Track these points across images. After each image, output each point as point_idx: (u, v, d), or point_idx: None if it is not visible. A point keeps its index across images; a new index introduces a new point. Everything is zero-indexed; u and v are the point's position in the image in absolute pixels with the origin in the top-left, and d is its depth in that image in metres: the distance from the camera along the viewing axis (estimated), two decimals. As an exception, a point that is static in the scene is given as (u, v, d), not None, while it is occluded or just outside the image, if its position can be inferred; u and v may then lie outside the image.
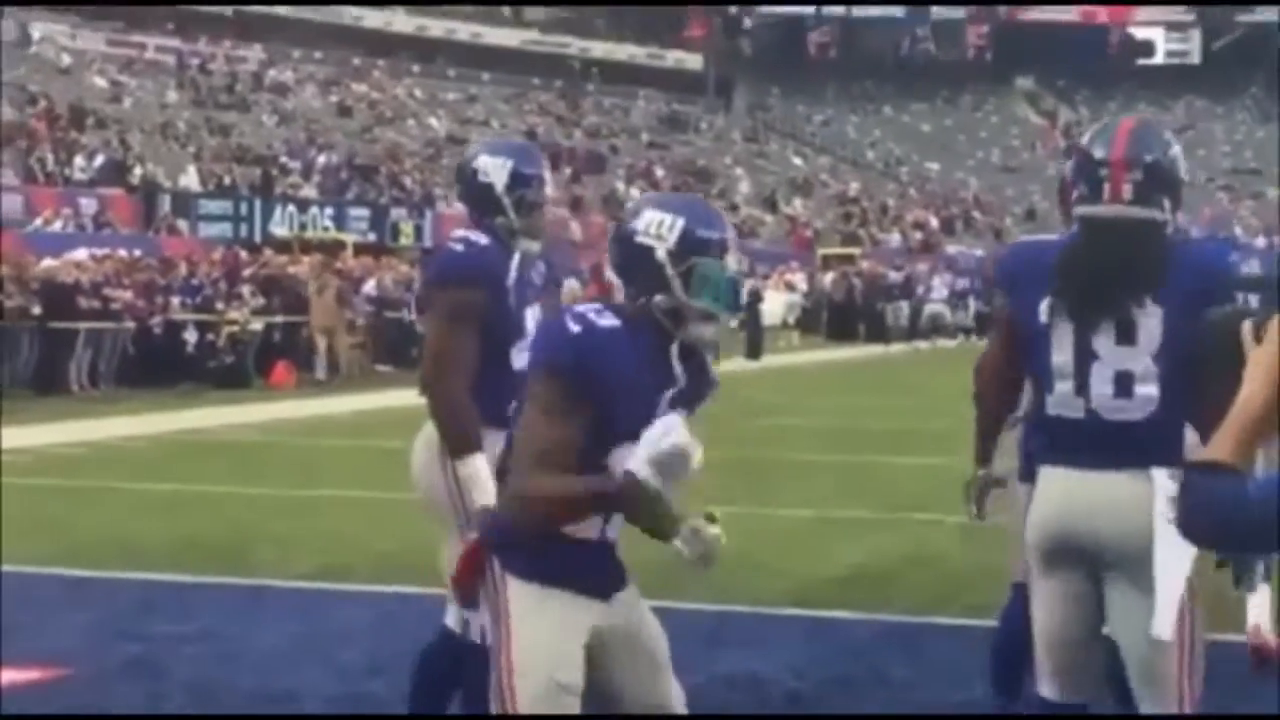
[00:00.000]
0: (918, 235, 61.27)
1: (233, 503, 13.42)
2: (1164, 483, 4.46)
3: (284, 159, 49.28)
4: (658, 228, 4.28)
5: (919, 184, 72.24)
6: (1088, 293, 4.53)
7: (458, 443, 5.43)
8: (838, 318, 43.30)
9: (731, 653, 8.17)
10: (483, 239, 5.61)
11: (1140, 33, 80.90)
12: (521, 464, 4.20)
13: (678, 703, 4.54)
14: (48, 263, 25.26)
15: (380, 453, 17.75)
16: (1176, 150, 4.70)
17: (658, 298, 4.26)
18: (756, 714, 7.18)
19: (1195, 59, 79.91)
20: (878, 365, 33.41)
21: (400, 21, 70.17)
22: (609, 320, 4.20)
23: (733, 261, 4.34)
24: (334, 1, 65.38)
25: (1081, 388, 4.56)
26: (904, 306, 41.96)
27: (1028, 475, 5.92)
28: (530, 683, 4.21)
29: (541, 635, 4.22)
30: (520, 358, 5.53)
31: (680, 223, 4.28)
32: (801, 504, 13.17)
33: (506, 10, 76.24)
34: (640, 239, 4.29)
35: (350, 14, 68.25)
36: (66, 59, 52.88)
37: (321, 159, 50.25)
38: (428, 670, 5.75)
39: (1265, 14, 77.45)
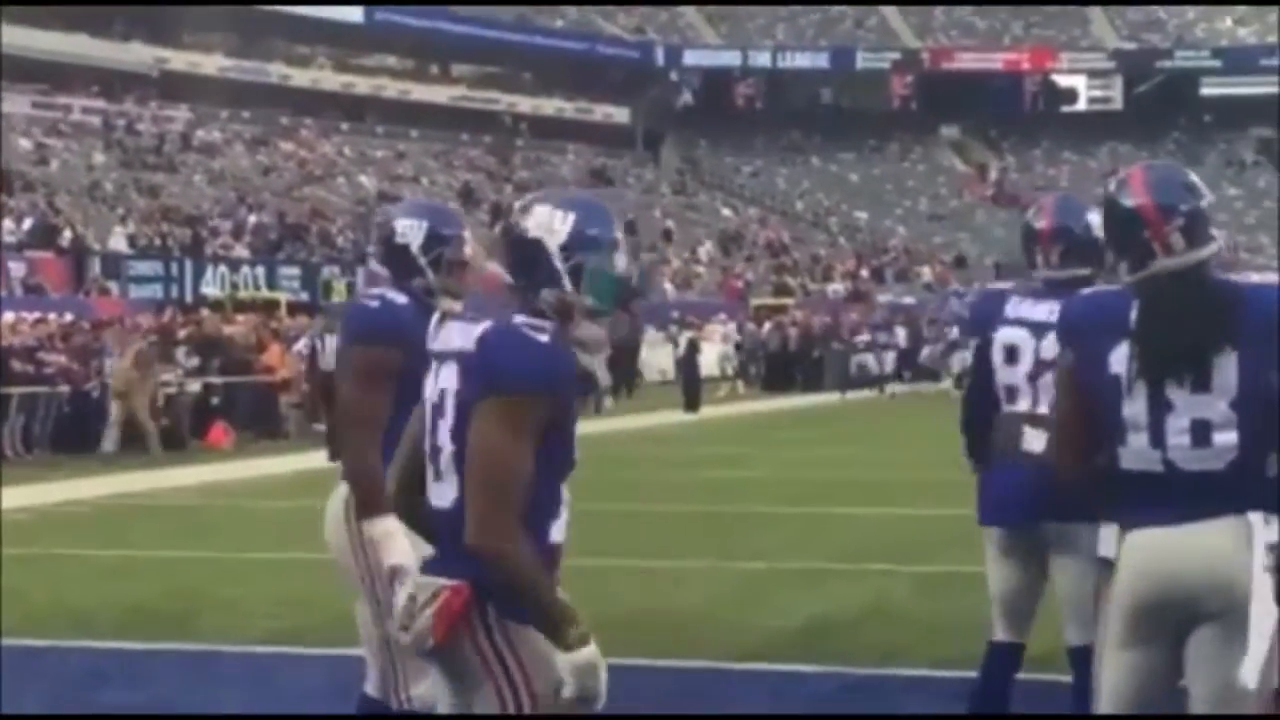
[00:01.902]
0: (848, 284, 61.48)
1: (179, 567, 13.26)
2: (1260, 528, 4.39)
3: (214, 219, 49.08)
4: (550, 222, 4.31)
5: (848, 233, 72.52)
6: (1164, 348, 4.47)
7: (366, 503, 5.39)
8: (774, 367, 43.35)
9: (695, 709, 8.09)
10: (400, 298, 5.59)
11: (1063, 80, 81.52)
12: (491, 491, 4.12)
13: None
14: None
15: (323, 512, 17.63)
16: (1197, 182, 4.67)
17: (545, 292, 4.29)
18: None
19: (1118, 104, 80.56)
20: (816, 415, 33.42)
21: (327, 79, 70.08)
22: (551, 329, 4.20)
23: (621, 261, 4.37)
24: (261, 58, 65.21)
25: (1157, 439, 4.49)
26: (843, 355, 42.08)
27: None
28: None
29: (555, 674, 4.14)
30: None
31: (572, 218, 4.32)
32: (755, 556, 13.11)
33: (434, 67, 76.27)
34: (532, 233, 4.32)
35: (278, 72, 68.11)
36: (-9, 122, 52.55)
37: (252, 218, 50.09)
38: None
39: (1183, 59, 78.35)
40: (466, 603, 4.18)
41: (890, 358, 42.33)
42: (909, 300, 51.77)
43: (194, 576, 12.62)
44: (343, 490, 5.52)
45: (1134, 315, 4.54)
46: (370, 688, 5.65)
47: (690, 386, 34.60)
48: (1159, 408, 4.48)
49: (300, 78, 68.79)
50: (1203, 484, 4.46)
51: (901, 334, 43.84)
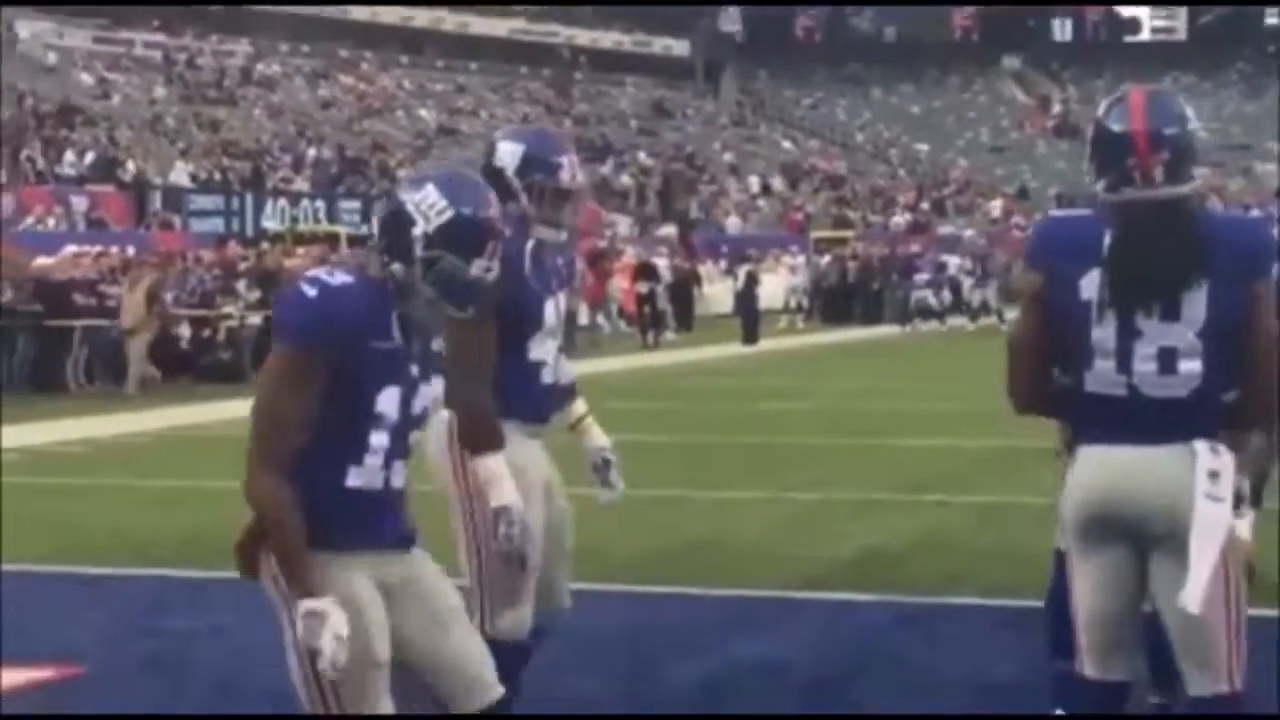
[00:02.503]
0: (909, 216, 61.20)
1: (236, 498, 13.32)
2: (1205, 455, 4.44)
3: (274, 153, 49.20)
4: (427, 208, 4.41)
5: (909, 165, 72.18)
6: (1138, 279, 4.47)
7: (477, 442, 5.36)
8: (833, 300, 43.24)
9: (750, 639, 8.12)
10: (506, 227, 5.50)
11: (1126, 10, 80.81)
12: (257, 443, 4.32)
13: (469, 659, 4.57)
14: (42, 260, 25.17)
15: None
16: (1191, 117, 4.64)
17: (396, 266, 4.39)
18: (778, 700, 7.12)
19: (1181, 35, 79.83)
20: (874, 347, 33.35)
21: (387, 13, 70.01)
22: (341, 278, 4.36)
23: (481, 266, 4.42)
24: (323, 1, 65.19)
25: (1124, 365, 4.51)
26: (900, 289, 41.87)
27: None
28: (358, 677, 4.30)
29: (347, 610, 4.27)
30: (538, 349, 5.47)
31: (449, 215, 4.40)
32: (810, 488, 13.12)
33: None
34: (408, 208, 4.42)
35: (338, 6, 68.08)
36: (53, 57, 52.74)
37: (312, 152, 50.19)
38: None
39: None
40: (262, 531, 4.36)
41: (978, 291, 41.91)
42: (970, 233, 51.46)
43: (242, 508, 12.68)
44: (444, 415, 5.47)
45: (1107, 242, 4.53)
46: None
47: (748, 319, 34.54)
48: (1127, 334, 4.50)
49: (359, 11, 68.71)
50: (1165, 410, 4.50)
51: (960, 265, 43.45)
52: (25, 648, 7.89)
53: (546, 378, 5.55)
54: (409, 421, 4.48)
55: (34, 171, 40.60)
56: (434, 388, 4.58)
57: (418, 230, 4.39)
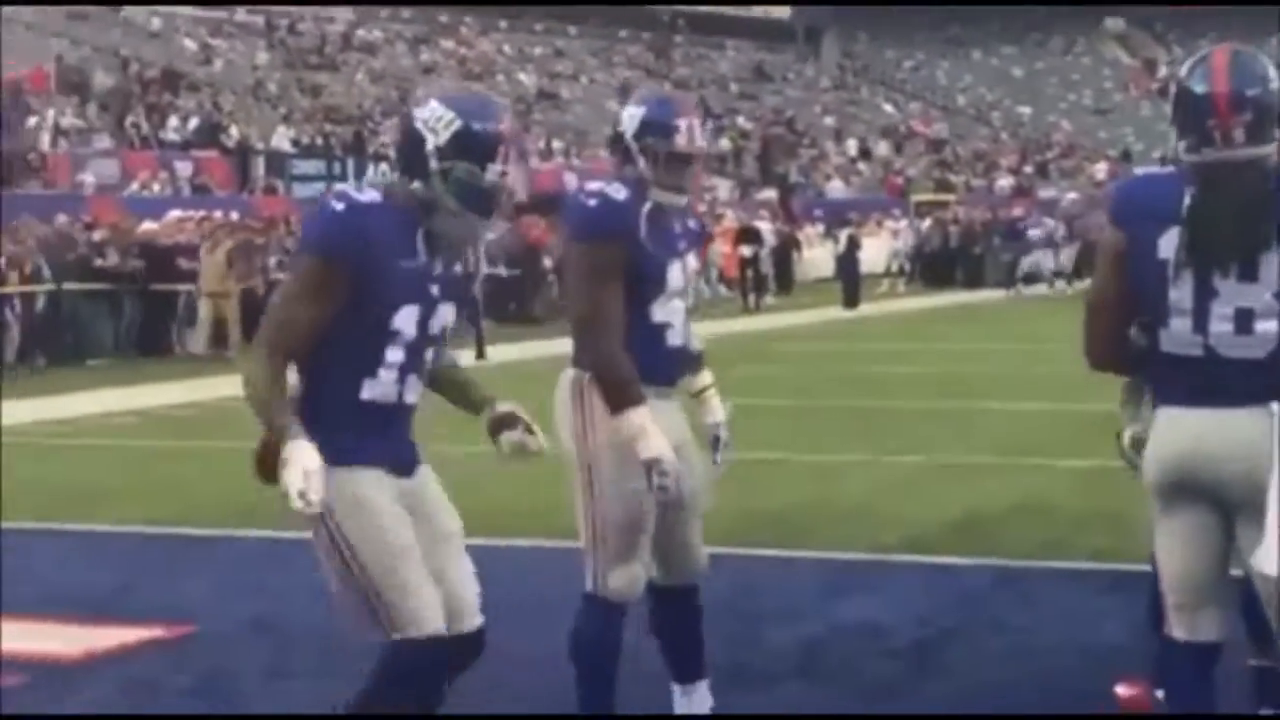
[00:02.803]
0: (1011, 180, 60.76)
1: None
2: None
3: (375, 118, 49.42)
4: (434, 121, 4.58)
5: (1011, 128, 71.63)
6: (1215, 239, 4.47)
7: (616, 398, 5.37)
8: (934, 264, 43.03)
9: (850, 600, 8.15)
10: (617, 192, 5.49)
11: (1233, -32, 79.78)
12: (262, 330, 4.53)
13: (464, 584, 4.76)
14: (148, 225, 25.44)
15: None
16: (1275, 77, 4.62)
17: (416, 184, 4.57)
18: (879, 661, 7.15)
19: (1290, -6, 78.75)
20: (976, 311, 33.19)
21: (487, -23, 70.08)
22: (369, 195, 4.55)
23: (495, 170, 4.59)
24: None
25: (1200, 325, 4.50)
26: (1003, 252, 41.59)
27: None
28: (381, 562, 4.52)
29: (372, 514, 4.52)
30: (662, 311, 5.50)
31: (456, 124, 4.57)
32: (911, 451, 13.11)
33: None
34: (417, 125, 4.60)
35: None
36: (157, 23, 53.16)
37: (412, 117, 50.31)
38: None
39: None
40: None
41: (1063, 253, 41.53)
42: (1072, 195, 51.01)
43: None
44: (569, 374, 5.54)
45: (1186, 202, 4.52)
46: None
47: (849, 283, 34.47)
48: (1204, 294, 4.49)
49: (460, -25, 68.82)
50: (1241, 371, 4.49)
51: (1054, 228, 43.03)
52: (140, 607, 8.03)
53: (672, 340, 5.55)
54: (426, 339, 4.65)
55: (139, 137, 40.98)
56: (453, 310, 4.72)
57: (430, 145, 4.56)
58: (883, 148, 65.23)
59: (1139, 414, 5.17)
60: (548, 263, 32.02)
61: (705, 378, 5.94)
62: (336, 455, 4.47)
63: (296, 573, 8.95)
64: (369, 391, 4.59)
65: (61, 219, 26.31)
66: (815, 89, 72.63)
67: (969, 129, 70.82)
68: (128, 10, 52.84)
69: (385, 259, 4.49)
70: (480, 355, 23.02)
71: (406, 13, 64.52)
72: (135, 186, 36.92)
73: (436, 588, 4.62)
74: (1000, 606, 8.00)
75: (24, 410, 17.63)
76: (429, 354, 4.72)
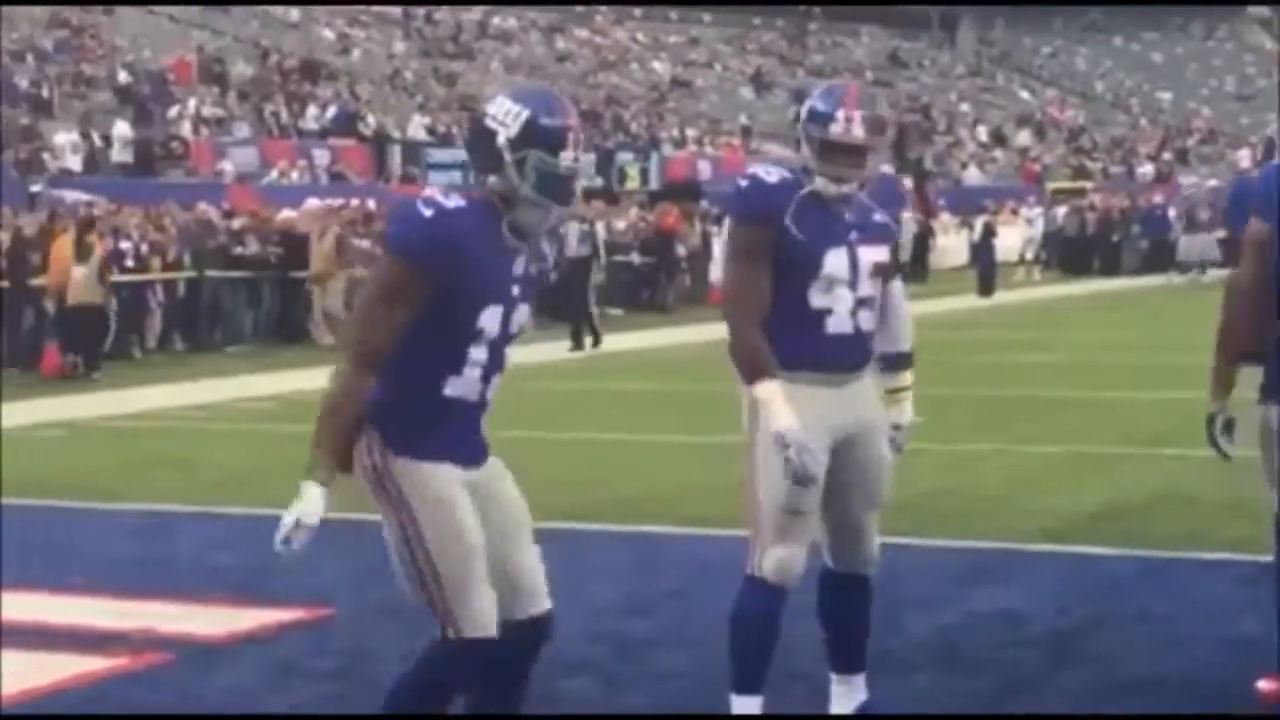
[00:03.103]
0: (1151, 167, 60.07)
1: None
2: None
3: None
4: (504, 115, 4.66)
5: (1150, 114, 70.81)
6: None
7: (749, 372, 5.44)
8: (1071, 252, 42.63)
9: (989, 590, 8.11)
10: (769, 175, 5.57)
11: (1380, -47, 78.40)
12: (349, 336, 4.64)
13: (531, 572, 4.83)
14: (286, 213, 25.70)
15: (615, 395, 17.88)
16: None
17: (492, 179, 4.65)
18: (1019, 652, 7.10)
19: None
20: (1113, 299, 32.84)
21: (622, -34, 70.21)
22: (455, 201, 4.61)
23: (568, 157, 4.65)
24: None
25: None
26: (1142, 239, 41.13)
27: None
28: (449, 557, 4.62)
29: (445, 508, 4.62)
30: (820, 298, 5.51)
31: (525, 115, 4.64)
32: (1049, 440, 13.02)
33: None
34: (488, 122, 4.67)
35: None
36: (295, 14, 53.68)
37: (547, 105, 50.50)
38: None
39: None
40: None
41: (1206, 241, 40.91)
42: (1214, 183, 50.37)
43: (495, 454, 12.89)
44: None
45: None
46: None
47: (985, 271, 34.24)
48: None
49: (594, -36, 69.00)
50: None
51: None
52: (281, 589, 8.13)
53: (832, 327, 5.54)
54: (506, 338, 4.74)
55: (277, 126, 41.41)
56: (528, 310, 4.82)
57: (501, 139, 4.63)
58: (1020, 135, 64.69)
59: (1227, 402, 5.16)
60: (681, 251, 32.00)
61: (901, 379, 5.89)
62: (416, 450, 4.62)
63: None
64: (452, 389, 4.68)
65: (202, 207, 26.63)
66: (951, 76, 72.16)
67: (1107, 115, 70.07)
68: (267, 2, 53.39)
69: (473, 262, 4.58)
70: (595, 344, 23.15)
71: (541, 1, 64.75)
72: (274, 175, 37.33)
73: (493, 591, 4.71)
74: (1139, 598, 7.92)
75: (163, 395, 17.90)
76: (506, 351, 4.80)
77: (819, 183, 5.51)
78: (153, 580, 8.62)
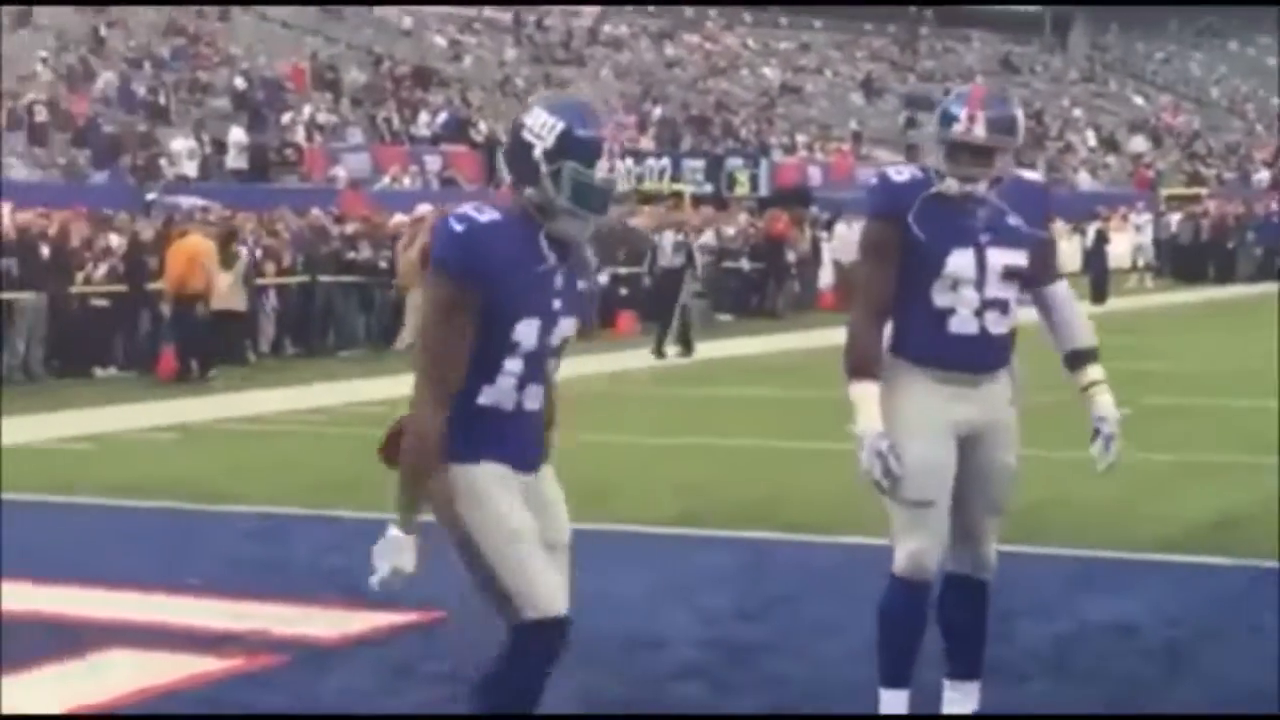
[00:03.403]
0: (1266, 173, 59.38)
1: (589, 451, 13.59)
2: None
3: (620, 112, 49.73)
4: (540, 128, 4.69)
5: (1266, 120, 69.96)
6: None
7: (850, 368, 5.54)
8: (1185, 259, 42.23)
9: (1101, 599, 8.06)
10: (898, 174, 5.66)
11: None
12: (422, 363, 4.65)
13: (566, 534, 4.89)
14: (399, 219, 25.85)
15: (728, 400, 17.88)
16: None
17: (529, 190, 4.68)
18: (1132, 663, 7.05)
19: None
20: (1227, 306, 32.50)
21: (732, -29, 70.17)
22: (489, 215, 4.64)
23: (603, 168, 4.69)
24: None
25: None
26: (1253, 246, 40.69)
27: None
28: (501, 550, 4.65)
29: (494, 504, 4.66)
30: (944, 297, 5.54)
31: (560, 126, 4.67)
32: (1162, 449, 12.89)
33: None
34: (525, 134, 4.71)
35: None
36: (408, 21, 54.02)
37: (657, 111, 50.62)
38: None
39: None
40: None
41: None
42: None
43: (599, 460, 12.94)
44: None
45: None
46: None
47: (1098, 278, 33.96)
48: None
49: (705, -30, 69.00)
50: None
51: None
52: (393, 592, 8.17)
53: (955, 326, 5.57)
54: (546, 350, 4.75)
55: (389, 132, 41.71)
56: (574, 323, 4.82)
57: (538, 150, 4.67)
58: (1132, 140, 64.14)
59: None
60: (791, 257, 31.95)
61: (1090, 373, 5.88)
62: (454, 454, 4.67)
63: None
64: (486, 397, 4.71)
65: (315, 212, 26.85)
66: (1063, 81, 71.63)
67: (1222, 121, 69.33)
68: (381, 8, 53.79)
69: (509, 274, 4.62)
70: (686, 352, 22.92)
71: (652, 7, 64.82)
72: (386, 180, 37.59)
73: (555, 571, 4.75)
74: (1254, 609, 7.84)
75: (277, 399, 18.06)
76: (551, 363, 4.83)
77: (947, 183, 5.54)
78: (267, 582, 8.71)
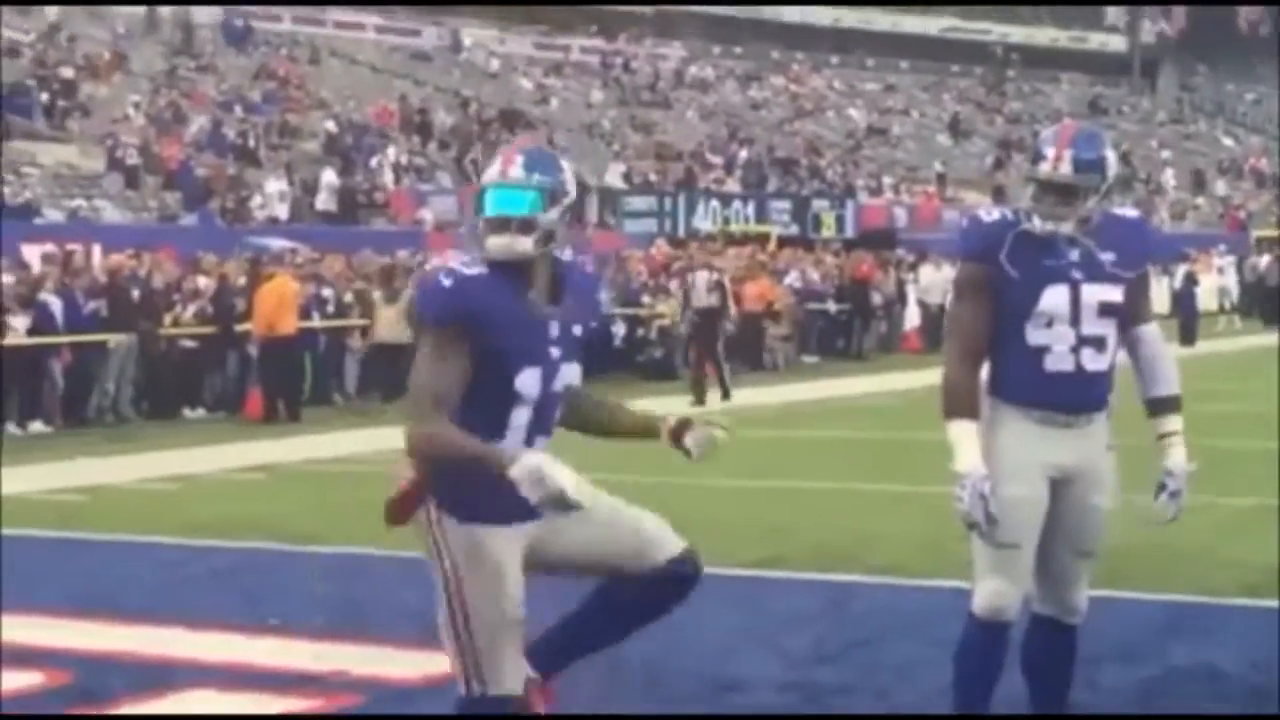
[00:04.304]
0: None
1: (667, 492, 13.58)
2: None
3: (706, 154, 49.81)
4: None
5: (1357, 161, 69.33)
6: None
7: (947, 407, 5.54)
8: (1274, 300, 41.83)
9: (1186, 644, 7.98)
10: (988, 214, 5.70)
11: None
12: (414, 408, 4.65)
13: (643, 516, 5.08)
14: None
15: (810, 443, 17.85)
16: None
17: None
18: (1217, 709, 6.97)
19: None
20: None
21: (818, 13, 70.27)
22: (476, 268, 4.71)
23: (489, 173, 4.83)
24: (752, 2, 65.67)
25: None
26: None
27: None
28: (484, 620, 4.72)
29: (489, 575, 4.71)
30: (1037, 334, 5.54)
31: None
32: (1246, 492, 12.78)
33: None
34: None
35: (769, 9, 68.63)
36: (495, 64, 54.36)
37: (743, 153, 50.67)
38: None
39: None
40: (418, 494, 4.76)
41: None
42: None
43: (682, 502, 12.89)
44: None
45: None
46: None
47: (1187, 320, 33.72)
48: None
49: (790, 13, 69.13)
50: None
51: None
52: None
53: (1051, 365, 5.56)
54: (550, 399, 4.81)
55: (476, 174, 41.91)
56: (576, 369, 4.90)
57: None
58: (1221, 182, 63.69)
59: None
60: (876, 299, 31.89)
61: (1168, 423, 5.87)
62: (466, 514, 4.72)
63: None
64: None
65: (402, 254, 26.99)
66: (1151, 122, 71.26)
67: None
68: (468, 52, 54.17)
69: (499, 324, 4.67)
70: (724, 396, 22.33)
71: (738, 49, 64.99)
72: (472, 222, 37.74)
73: (523, 660, 4.85)
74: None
75: (361, 439, 18.13)
76: (555, 413, 4.89)
77: (1034, 221, 5.53)
78: (347, 623, 8.74)
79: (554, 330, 4.80)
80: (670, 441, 5.20)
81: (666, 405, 20.63)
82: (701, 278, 23.26)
